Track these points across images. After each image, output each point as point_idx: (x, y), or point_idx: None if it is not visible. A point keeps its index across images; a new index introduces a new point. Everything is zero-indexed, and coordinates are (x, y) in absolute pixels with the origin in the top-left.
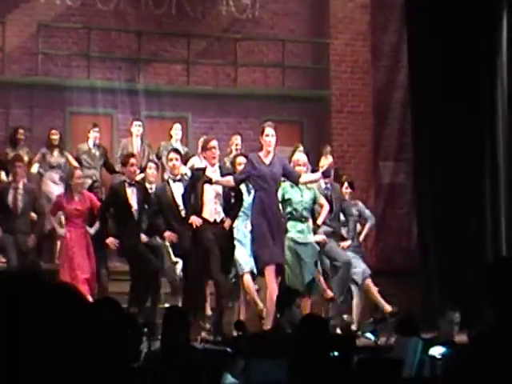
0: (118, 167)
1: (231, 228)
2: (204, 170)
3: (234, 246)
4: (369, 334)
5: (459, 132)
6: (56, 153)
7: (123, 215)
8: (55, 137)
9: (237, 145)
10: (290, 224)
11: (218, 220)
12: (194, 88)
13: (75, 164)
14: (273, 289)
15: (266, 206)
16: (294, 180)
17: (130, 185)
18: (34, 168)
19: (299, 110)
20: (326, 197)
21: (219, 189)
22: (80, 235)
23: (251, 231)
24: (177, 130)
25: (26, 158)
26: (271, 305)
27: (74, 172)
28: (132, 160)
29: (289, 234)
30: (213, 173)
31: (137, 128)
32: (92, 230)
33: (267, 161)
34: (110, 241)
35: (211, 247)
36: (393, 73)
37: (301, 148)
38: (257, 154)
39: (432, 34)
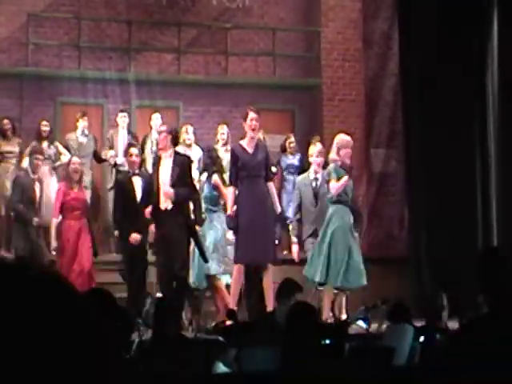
0: (104, 155)
1: (187, 216)
2: (159, 158)
3: (192, 234)
4: (360, 322)
5: (450, 120)
6: (45, 144)
7: (131, 207)
8: (46, 128)
9: (222, 134)
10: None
11: (169, 208)
12: (185, 77)
13: (66, 153)
14: (234, 287)
15: (250, 196)
16: (266, 179)
17: (134, 175)
18: (25, 162)
19: (290, 99)
20: (314, 192)
21: (166, 177)
22: (78, 228)
23: (230, 224)
24: (156, 121)
25: (16, 150)
26: (231, 302)
27: (70, 159)
28: (131, 150)
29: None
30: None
31: (122, 119)
32: None
33: (250, 149)
34: (134, 238)
35: (168, 242)
36: (384, 60)
37: (292, 139)
38: (239, 143)
39: (423, 20)
